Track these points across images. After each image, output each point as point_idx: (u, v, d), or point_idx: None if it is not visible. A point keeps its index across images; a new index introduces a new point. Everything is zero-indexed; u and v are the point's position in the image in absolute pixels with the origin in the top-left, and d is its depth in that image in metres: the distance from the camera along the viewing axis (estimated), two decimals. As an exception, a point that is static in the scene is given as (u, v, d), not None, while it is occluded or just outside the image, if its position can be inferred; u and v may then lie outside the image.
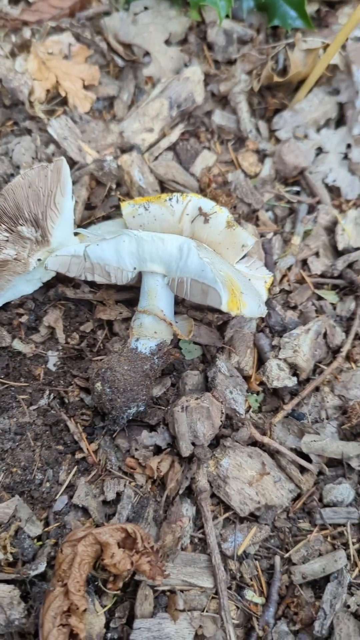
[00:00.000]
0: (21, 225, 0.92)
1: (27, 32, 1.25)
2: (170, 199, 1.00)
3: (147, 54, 1.24)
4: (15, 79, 1.17)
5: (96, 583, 0.84)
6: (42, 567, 0.82)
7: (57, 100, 1.20)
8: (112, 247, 0.89)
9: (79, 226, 1.08)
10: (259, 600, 0.87)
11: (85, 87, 1.21)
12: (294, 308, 1.05)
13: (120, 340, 0.99)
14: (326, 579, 0.86)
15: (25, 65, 1.20)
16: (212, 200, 1.01)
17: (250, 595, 0.87)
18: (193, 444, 0.90)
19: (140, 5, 1.26)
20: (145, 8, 1.26)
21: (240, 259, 1.01)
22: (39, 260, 0.94)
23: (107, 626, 0.82)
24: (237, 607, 0.85)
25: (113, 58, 1.25)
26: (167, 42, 1.24)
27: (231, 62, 1.24)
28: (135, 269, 0.91)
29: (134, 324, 0.94)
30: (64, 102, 1.20)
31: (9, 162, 1.13)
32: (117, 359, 0.90)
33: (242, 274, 0.98)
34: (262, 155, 1.18)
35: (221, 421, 0.93)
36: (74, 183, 1.09)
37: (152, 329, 0.92)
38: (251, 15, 1.26)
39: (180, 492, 0.90)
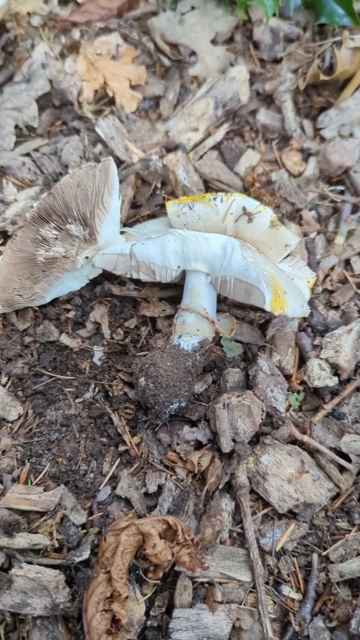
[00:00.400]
0: (70, 223, 0.95)
1: (76, 33, 1.28)
2: (214, 199, 1.01)
3: (193, 53, 1.25)
4: (64, 80, 1.20)
5: (137, 572, 0.86)
6: (86, 554, 0.86)
7: (105, 101, 1.23)
8: (157, 246, 0.90)
9: (124, 225, 1.11)
10: (296, 596, 0.88)
11: (132, 87, 1.23)
12: (337, 308, 1.05)
13: (163, 336, 1.02)
14: (364, 578, 0.87)
15: (75, 67, 1.23)
16: (256, 199, 1.02)
17: (287, 590, 0.88)
18: (234, 440, 0.92)
19: (187, 5, 1.27)
20: (192, 8, 1.27)
21: (284, 259, 1.01)
22: (86, 258, 0.97)
23: (147, 614, 0.85)
24: (274, 602, 0.87)
25: (159, 58, 1.27)
26: (214, 42, 1.25)
27: (277, 61, 1.24)
28: (179, 267, 0.93)
29: (176, 321, 0.96)
30: (112, 102, 1.23)
31: (58, 161, 1.16)
32: (160, 355, 0.92)
33: (286, 273, 0.98)
34: (306, 155, 1.18)
35: (262, 419, 0.94)
36: (120, 182, 1.11)
37: (194, 326, 0.94)
38: (298, 14, 1.25)
39: (220, 487, 0.91)
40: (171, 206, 1.03)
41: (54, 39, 1.28)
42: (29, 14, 1.30)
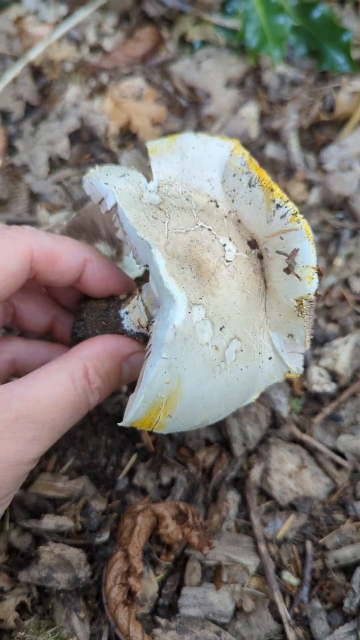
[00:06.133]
0: (99, 243, 1.07)
1: (104, 77, 1.44)
2: (278, 207, 0.74)
3: (208, 95, 1.40)
4: (93, 118, 1.35)
5: (151, 554, 0.96)
6: (105, 536, 0.95)
7: (129, 137, 1.37)
8: (134, 233, 0.70)
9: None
10: (295, 581, 0.96)
11: (153, 125, 1.38)
12: (335, 322, 1.15)
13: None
14: (357, 563, 0.95)
15: (102, 106, 1.38)
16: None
17: (287, 575, 0.96)
18: (244, 444, 1.02)
19: (203, 54, 1.42)
20: (208, 56, 1.42)
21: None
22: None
23: (159, 592, 0.94)
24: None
25: (178, 99, 1.41)
26: (227, 85, 1.40)
27: (283, 103, 1.38)
28: (146, 265, 0.73)
29: (134, 299, 0.82)
30: (135, 137, 1.37)
31: (86, 189, 1.30)
32: (101, 315, 0.84)
33: (271, 344, 0.78)
34: (309, 185, 1.31)
35: (267, 423, 1.04)
36: (141, 208, 1.24)
37: (137, 322, 0.82)
38: (302, 61, 1.40)
39: (227, 479, 1.01)
40: (236, 156, 0.79)
41: (85, 82, 1.43)
42: (62, 60, 1.46)
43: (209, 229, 0.74)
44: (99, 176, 0.76)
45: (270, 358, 0.78)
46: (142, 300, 0.80)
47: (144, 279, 1.12)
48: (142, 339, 0.83)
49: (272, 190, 0.75)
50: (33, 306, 0.90)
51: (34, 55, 1.44)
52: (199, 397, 0.70)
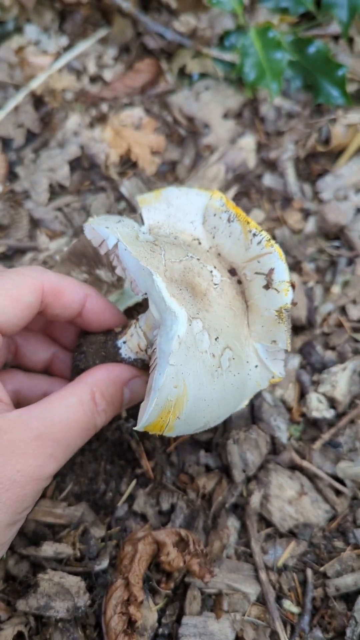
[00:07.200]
0: (99, 269, 1.09)
1: (104, 107, 1.46)
2: (254, 235, 0.86)
3: (206, 126, 1.43)
4: (94, 146, 1.37)
5: (151, 583, 0.95)
6: (105, 564, 0.94)
7: (128, 165, 1.39)
8: (135, 264, 0.80)
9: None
10: (296, 609, 0.96)
11: (153, 153, 1.40)
12: (333, 349, 1.17)
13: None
14: (358, 592, 0.95)
15: (103, 135, 1.40)
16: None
17: (287, 604, 0.96)
18: (244, 470, 1.02)
19: (202, 85, 1.46)
20: (206, 88, 1.45)
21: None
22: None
23: (159, 621, 0.93)
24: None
25: (177, 129, 1.44)
26: (225, 116, 1.43)
27: (280, 134, 1.41)
28: (145, 294, 0.83)
29: (131, 329, 0.90)
30: (134, 165, 1.39)
31: (86, 215, 1.31)
32: (100, 347, 0.91)
33: (256, 354, 0.87)
34: (305, 214, 1.33)
35: (267, 449, 1.04)
36: (141, 235, 1.26)
37: (136, 347, 0.89)
38: (298, 94, 1.44)
39: (227, 506, 1.01)
40: (215, 199, 0.90)
41: (85, 111, 1.46)
42: (63, 90, 1.49)
43: (198, 259, 0.85)
44: (99, 222, 0.87)
45: (256, 366, 0.87)
46: (140, 328, 0.88)
47: (142, 306, 1.13)
48: (140, 364, 0.90)
49: (248, 222, 0.87)
50: (34, 344, 0.98)
51: (35, 84, 1.47)
52: (202, 399, 0.78)
